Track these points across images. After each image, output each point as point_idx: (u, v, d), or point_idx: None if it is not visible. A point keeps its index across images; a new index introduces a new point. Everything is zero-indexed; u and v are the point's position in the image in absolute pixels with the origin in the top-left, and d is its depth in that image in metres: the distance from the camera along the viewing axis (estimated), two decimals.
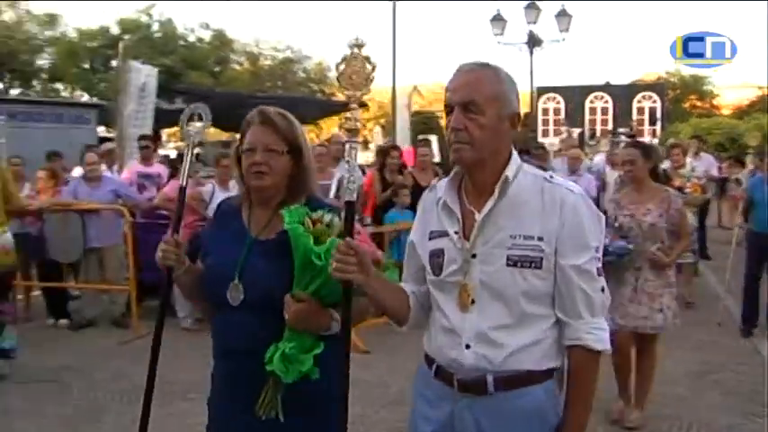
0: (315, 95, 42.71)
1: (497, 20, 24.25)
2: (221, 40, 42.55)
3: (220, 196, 8.85)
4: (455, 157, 2.36)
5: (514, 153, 2.39)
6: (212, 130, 31.61)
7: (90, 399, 6.28)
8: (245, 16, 73.26)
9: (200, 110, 2.94)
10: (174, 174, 9.69)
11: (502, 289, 2.30)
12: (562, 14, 23.50)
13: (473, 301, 2.34)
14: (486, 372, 2.32)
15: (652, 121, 43.30)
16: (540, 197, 2.31)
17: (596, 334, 2.31)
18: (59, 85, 41.97)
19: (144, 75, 14.39)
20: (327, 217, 2.49)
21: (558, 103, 49.50)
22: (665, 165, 11.09)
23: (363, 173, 10.49)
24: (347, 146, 2.34)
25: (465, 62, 2.41)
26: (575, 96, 48.90)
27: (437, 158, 15.27)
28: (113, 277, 9.07)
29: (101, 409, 6.03)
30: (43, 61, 40.61)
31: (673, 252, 5.65)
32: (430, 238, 2.47)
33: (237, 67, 44.73)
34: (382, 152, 10.57)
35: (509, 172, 2.33)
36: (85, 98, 38.26)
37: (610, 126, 42.79)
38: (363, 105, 2.85)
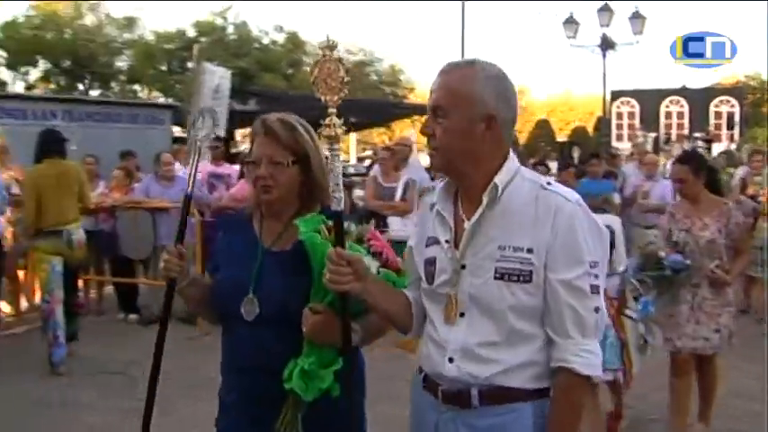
0: (387, 98, 42.80)
1: (570, 22, 23.96)
2: (294, 43, 42.97)
3: None
4: (430, 163, 2.32)
5: (511, 158, 2.24)
6: None
7: (157, 393, 6.36)
8: (319, 19, 74.02)
9: (208, 113, 2.78)
10: (242, 174, 9.83)
11: (490, 303, 2.16)
12: (636, 17, 23.10)
13: (461, 314, 2.22)
14: (471, 385, 2.19)
15: (730, 126, 42.39)
16: (533, 205, 2.15)
17: (585, 357, 2.11)
18: (137, 87, 42.97)
19: (218, 76, 14.55)
20: (344, 224, 2.34)
21: (632, 107, 48.76)
22: (741, 172, 10.81)
23: (433, 178, 10.48)
24: (329, 154, 2.24)
25: (451, 61, 2.33)
26: (650, 100, 48.04)
27: None
28: None
29: (167, 402, 6.11)
30: (122, 63, 41.68)
31: (733, 270, 5.34)
32: (426, 245, 2.35)
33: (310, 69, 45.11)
34: None
35: (498, 178, 2.18)
36: (161, 99, 39.08)
37: (686, 131, 41.89)
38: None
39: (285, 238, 2.55)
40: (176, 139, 18.25)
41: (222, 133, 12.86)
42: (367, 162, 26.26)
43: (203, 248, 8.79)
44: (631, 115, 48.37)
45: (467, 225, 2.21)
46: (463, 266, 2.20)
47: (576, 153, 16.70)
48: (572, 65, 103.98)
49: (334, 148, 2.21)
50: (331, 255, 2.17)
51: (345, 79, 2.19)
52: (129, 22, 41.40)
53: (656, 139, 33.29)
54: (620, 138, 43.47)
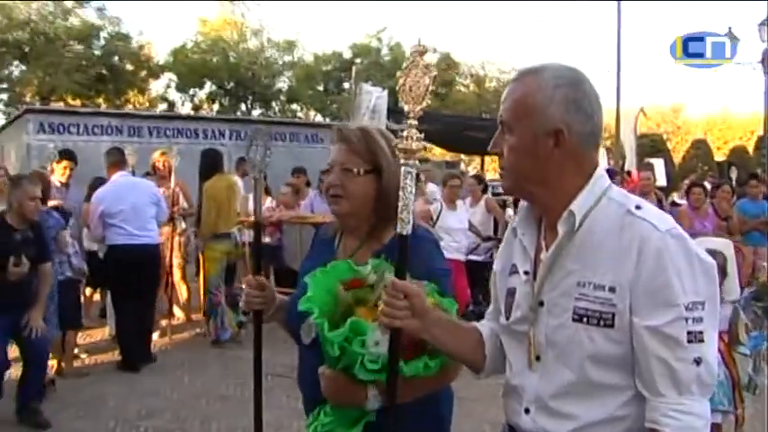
0: None
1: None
2: (447, 63, 43.28)
3: (448, 215, 9.22)
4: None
5: (596, 178, 1.89)
6: (438, 150, 32.34)
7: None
8: (471, 39, 74.25)
9: (260, 136, 2.60)
10: None
11: (566, 348, 1.85)
12: None
13: (537, 358, 1.92)
14: None
15: None
16: (618, 235, 1.80)
17: (679, 419, 1.73)
18: (296, 107, 44.36)
19: (374, 96, 15.04)
20: (372, 276, 2.12)
21: None
22: None
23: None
24: (402, 170, 1.95)
25: (522, 68, 2.03)
26: None
27: (663, 182, 14.78)
28: None
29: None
30: (282, 84, 43.14)
31: None
32: (509, 273, 2.06)
33: (463, 89, 45.31)
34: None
35: (576, 204, 1.84)
36: (319, 118, 40.31)
37: None
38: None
39: (359, 256, 2.33)
40: None
41: None
42: None
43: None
44: None
45: (543, 256, 1.93)
46: (541, 303, 1.91)
47: (734, 174, 16.10)
48: (730, 81, 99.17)
49: (409, 163, 1.94)
50: (388, 286, 1.93)
51: (431, 88, 1.95)
52: (289, 45, 42.86)
53: None
54: None
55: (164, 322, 9.21)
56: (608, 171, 11.51)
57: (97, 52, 39.18)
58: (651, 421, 1.77)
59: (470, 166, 37.53)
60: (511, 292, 2.01)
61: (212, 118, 26.28)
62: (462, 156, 34.59)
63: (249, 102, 42.81)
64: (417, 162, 1.97)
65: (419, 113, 1.95)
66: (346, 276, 2.16)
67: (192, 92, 43.04)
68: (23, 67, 39.02)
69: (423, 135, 1.95)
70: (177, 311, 9.77)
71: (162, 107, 41.39)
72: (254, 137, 2.59)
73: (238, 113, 37.98)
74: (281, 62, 42.80)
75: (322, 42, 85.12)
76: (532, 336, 1.92)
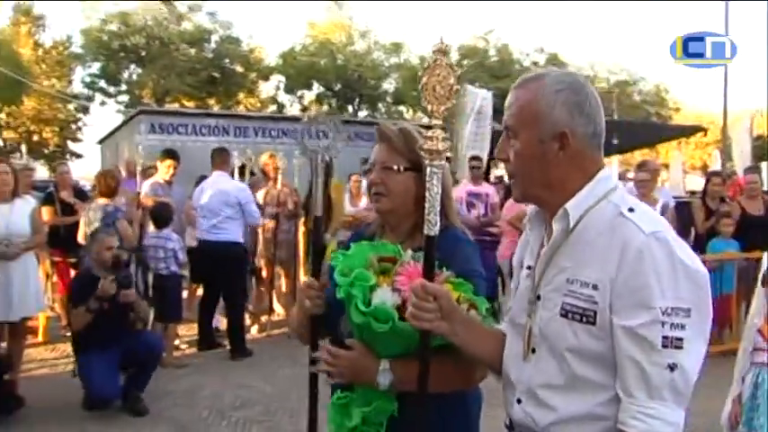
0: (650, 118, 41.51)
1: None
2: (554, 64, 42.71)
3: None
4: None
5: (598, 179, 1.90)
6: None
7: None
8: (580, 39, 73.31)
9: (323, 124, 2.46)
10: (507, 194, 10.01)
11: (555, 341, 1.87)
12: None
13: (533, 350, 1.95)
14: None
15: None
16: (608, 235, 1.81)
17: (645, 422, 1.72)
18: (402, 108, 44.59)
19: (480, 98, 14.98)
20: (409, 259, 2.13)
21: None
22: None
23: None
24: (428, 171, 1.95)
25: (524, 75, 2.02)
26: None
27: None
28: None
29: None
30: (388, 86, 43.44)
31: None
32: (521, 268, 2.10)
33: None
34: (707, 179, 10.27)
35: (571, 203, 1.87)
36: (425, 120, 40.38)
37: None
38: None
39: None
40: None
41: (484, 154, 13.20)
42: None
43: None
44: None
45: (542, 252, 1.96)
46: (538, 297, 1.94)
47: None
48: None
49: (435, 164, 1.93)
50: (416, 287, 1.93)
51: (455, 88, 1.93)
52: (396, 47, 43.16)
53: None
54: None
55: (264, 318, 9.40)
56: (712, 173, 11.20)
57: (209, 55, 40.32)
58: (620, 422, 1.76)
59: None
60: (518, 286, 2.07)
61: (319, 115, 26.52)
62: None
63: (356, 103, 43.28)
64: (444, 162, 1.96)
65: (444, 114, 1.95)
66: (389, 254, 2.20)
67: (300, 93, 43.82)
68: (140, 71, 40.47)
69: (449, 135, 1.95)
70: (278, 307, 9.95)
71: (271, 109, 42.24)
72: (313, 123, 2.49)
73: (345, 115, 38.41)
74: (387, 64, 43.11)
75: (428, 44, 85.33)
76: (528, 329, 1.95)
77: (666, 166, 27.69)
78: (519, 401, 1.96)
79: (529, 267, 2.01)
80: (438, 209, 1.95)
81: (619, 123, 26.08)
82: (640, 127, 26.27)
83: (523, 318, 1.98)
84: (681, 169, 24.52)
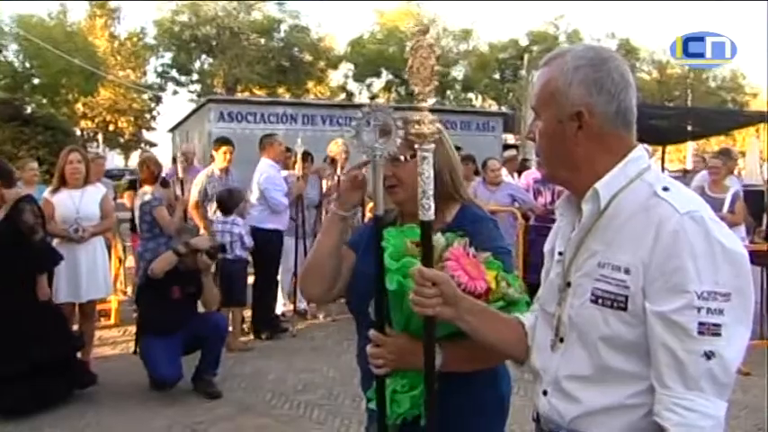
0: (725, 105, 40.55)
1: None
2: (626, 49, 42.05)
3: None
4: None
5: (629, 159, 1.82)
6: None
7: None
8: (653, 24, 71.64)
9: (380, 116, 2.28)
10: None
11: (584, 330, 1.80)
12: None
13: (561, 340, 1.88)
14: (560, 427, 1.86)
15: None
16: (641, 216, 1.72)
17: (681, 415, 1.62)
18: (471, 95, 44.43)
19: None
20: (442, 241, 2.10)
21: None
22: None
23: None
24: (418, 155, 1.91)
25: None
26: None
27: None
28: None
29: None
30: (457, 73, 43.30)
31: None
32: (552, 257, 2.02)
33: (645, 75, 43.88)
34: None
35: (601, 183, 1.79)
36: (494, 107, 40.17)
37: None
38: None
39: None
40: (507, 146, 18.80)
41: None
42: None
43: (525, 252, 9.03)
44: None
45: (572, 236, 1.89)
46: (569, 284, 1.87)
47: None
48: None
49: (424, 147, 1.89)
50: (414, 274, 1.90)
51: (436, 68, 1.88)
52: (465, 34, 43.02)
53: None
54: None
55: (332, 304, 9.49)
56: None
57: (278, 44, 40.75)
58: (654, 414, 1.67)
59: (654, 156, 36.41)
60: (549, 274, 1.99)
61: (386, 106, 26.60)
62: (647, 146, 33.54)
63: None
64: (433, 146, 1.91)
65: (430, 95, 1.91)
66: (417, 239, 2.11)
67: (369, 82, 43.97)
68: (211, 60, 41.13)
69: (436, 117, 1.92)
70: None
71: (341, 97, 42.50)
72: (369, 116, 2.30)
73: (414, 102, 38.45)
74: (456, 51, 42.95)
75: (498, 30, 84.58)
76: (557, 317, 1.88)
77: (743, 153, 27.02)
78: (545, 393, 1.90)
79: (560, 254, 1.93)
80: (431, 193, 1.90)
81: (693, 110, 25.61)
82: (715, 113, 25.63)
83: (553, 306, 1.91)
84: (758, 157, 23.89)
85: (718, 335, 1.61)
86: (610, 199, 1.79)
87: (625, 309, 1.70)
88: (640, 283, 1.67)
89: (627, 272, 1.70)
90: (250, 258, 8.32)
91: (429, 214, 1.89)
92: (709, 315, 1.61)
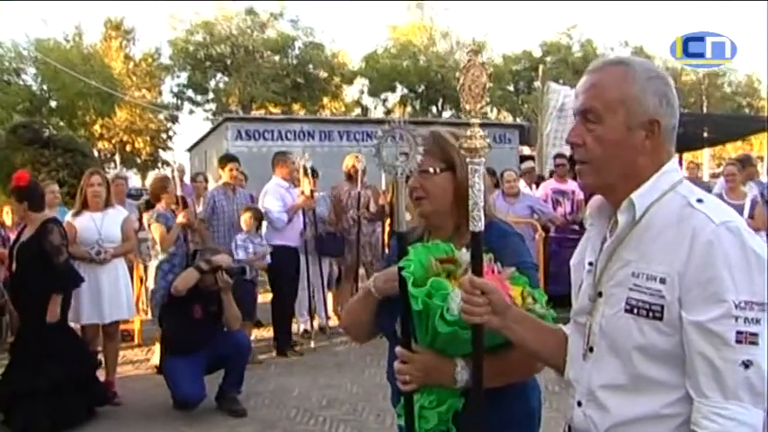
0: (741, 110, 40.38)
1: None
2: (641, 57, 41.95)
3: None
4: (579, 180, 1.96)
5: (664, 171, 1.83)
6: None
7: None
8: (666, 31, 71.47)
9: (401, 133, 2.25)
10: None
11: (617, 339, 1.80)
12: None
13: (591, 349, 1.88)
14: None
15: None
16: (675, 227, 1.74)
17: (720, 424, 1.63)
18: (486, 108, 44.40)
19: (563, 95, 14.82)
20: (466, 257, 2.09)
21: None
22: None
23: None
24: (468, 168, 1.97)
25: (598, 59, 1.99)
26: None
27: None
28: None
29: None
30: None
31: None
32: (583, 266, 2.00)
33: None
34: None
35: (637, 194, 1.80)
36: (509, 119, 40.17)
37: None
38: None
39: None
40: (523, 158, 18.79)
41: (569, 151, 13.06)
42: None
43: (545, 262, 9.01)
44: None
45: (605, 246, 1.89)
46: (600, 294, 1.87)
47: None
48: None
49: (475, 161, 1.95)
50: (465, 283, 1.94)
51: (488, 86, 1.94)
52: (478, 47, 43.05)
53: None
54: None
55: None
56: None
57: (292, 62, 40.94)
58: (693, 423, 1.67)
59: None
60: (580, 286, 1.98)
61: (405, 121, 26.71)
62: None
63: (440, 104, 43.29)
64: (483, 159, 1.96)
65: (481, 111, 1.97)
66: (442, 254, 2.20)
67: (384, 96, 44.07)
68: (226, 79, 41.35)
69: (486, 133, 1.97)
70: None
71: (356, 112, 42.62)
72: (390, 133, 2.27)
73: (429, 116, 38.49)
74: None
75: (511, 42, 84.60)
76: (588, 326, 1.88)
77: (761, 158, 26.88)
78: (579, 404, 1.90)
79: (590, 264, 1.93)
80: (482, 205, 1.96)
81: (709, 116, 25.51)
82: (731, 119, 25.62)
83: (584, 316, 1.91)
84: None
85: (756, 344, 1.63)
86: (644, 210, 1.80)
87: (661, 318, 1.71)
88: (676, 293, 1.68)
89: (662, 282, 1.70)
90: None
91: (480, 225, 1.94)
92: (747, 324, 1.63)
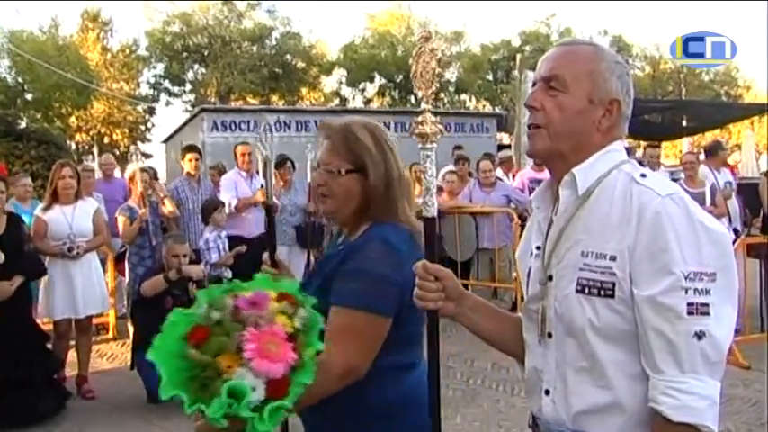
0: (719, 98, 40.63)
1: None
2: (619, 46, 42.08)
3: None
4: (529, 146, 1.92)
5: (609, 150, 1.84)
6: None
7: (470, 384, 6.80)
8: (644, 20, 71.78)
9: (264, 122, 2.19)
10: None
11: (572, 320, 1.76)
12: None
13: (549, 335, 1.83)
14: (564, 428, 1.82)
15: None
16: (622, 203, 1.72)
17: (677, 398, 1.60)
18: (465, 97, 44.42)
19: None
20: (215, 314, 1.78)
21: None
22: None
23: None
24: (420, 154, 1.94)
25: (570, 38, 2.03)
26: None
27: None
28: (503, 276, 9.57)
29: (477, 393, 6.52)
30: (450, 75, 43.30)
31: None
32: (530, 255, 1.96)
33: (638, 71, 43.92)
34: None
35: (579, 167, 1.80)
36: (488, 109, 40.19)
37: None
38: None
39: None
40: (502, 146, 18.82)
41: None
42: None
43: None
44: None
45: (551, 228, 1.86)
46: (550, 277, 1.83)
47: None
48: None
49: (427, 147, 1.93)
50: (418, 268, 1.89)
51: (437, 71, 1.94)
52: (457, 36, 43.02)
53: None
54: None
55: None
56: None
57: (270, 52, 40.75)
58: (650, 399, 1.65)
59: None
60: (528, 274, 1.95)
61: (378, 111, 26.70)
62: (642, 143, 33.61)
63: (418, 94, 43.24)
64: (435, 145, 1.95)
65: (432, 96, 1.96)
66: (185, 328, 1.80)
67: (362, 86, 43.96)
68: (203, 70, 41.11)
69: (438, 118, 1.95)
70: None
71: (334, 102, 42.51)
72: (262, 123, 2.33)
73: (408, 107, 38.44)
74: (448, 53, 42.94)
75: (490, 32, 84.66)
76: (542, 312, 1.84)
77: (739, 146, 27.01)
78: (547, 392, 1.85)
79: (537, 248, 1.90)
80: (434, 191, 1.96)
81: (687, 104, 25.54)
82: (710, 107, 25.56)
83: (536, 303, 1.87)
84: (754, 149, 23.89)
85: (707, 314, 1.62)
86: (590, 188, 1.80)
87: (612, 296, 1.69)
88: (627, 269, 1.67)
89: (612, 259, 1.69)
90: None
91: (432, 211, 1.94)
92: (697, 295, 1.62)
